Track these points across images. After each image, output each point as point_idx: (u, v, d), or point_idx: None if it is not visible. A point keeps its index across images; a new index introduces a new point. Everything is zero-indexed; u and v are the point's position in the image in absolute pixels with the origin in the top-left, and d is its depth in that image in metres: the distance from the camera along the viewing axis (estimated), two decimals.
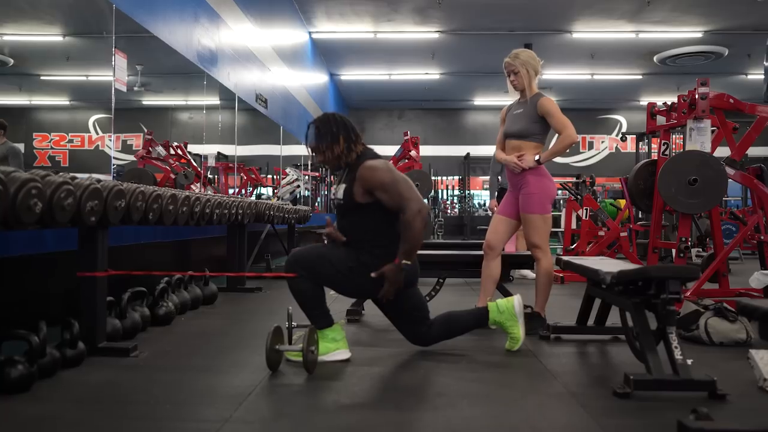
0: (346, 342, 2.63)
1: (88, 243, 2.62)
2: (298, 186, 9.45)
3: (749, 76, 13.12)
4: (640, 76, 13.44)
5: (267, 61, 7.97)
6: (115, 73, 3.81)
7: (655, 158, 4.45)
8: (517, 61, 3.36)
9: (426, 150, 9.40)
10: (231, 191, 7.84)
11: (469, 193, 15.82)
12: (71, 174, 2.47)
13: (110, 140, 4.25)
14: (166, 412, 1.95)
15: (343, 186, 2.64)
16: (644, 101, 15.69)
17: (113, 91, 3.84)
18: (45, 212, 2.14)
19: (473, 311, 2.87)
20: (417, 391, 2.23)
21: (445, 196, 16.99)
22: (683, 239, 3.98)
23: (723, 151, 4.09)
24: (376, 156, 2.66)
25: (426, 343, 2.80)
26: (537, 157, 3.27)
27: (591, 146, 16.33)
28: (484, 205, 18.03)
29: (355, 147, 2.63)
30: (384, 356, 2.73)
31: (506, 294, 3.75)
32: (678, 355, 2.17)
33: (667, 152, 4.34)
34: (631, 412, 2.01)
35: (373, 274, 2.54)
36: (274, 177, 10.03)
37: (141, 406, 2.00)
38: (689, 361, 2.18)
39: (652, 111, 4.55)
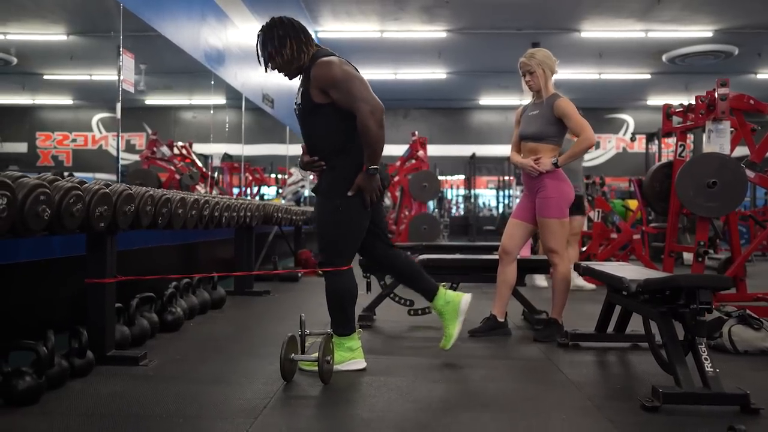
0: (362, 351, 2.56)
1: (96, 249, 2.55)
2: (303, 186, 9.36)
3: (758, 76, 13.00)
4: (648, 76, 13.31)
5: None
6: (122, 74, 3.74)
7: (671, 159, 4.36)
8: (533, 61, 3.27)
9: (431, 149, 9.28)
10: (235, 191, 7.75)
11: (474, 193, 15.72)
12: (79, 178, 2.40)
13: (115, 140, 4.18)
14: (179, 427, 1.87)
15: (301, 90, 2.52)
16: (652, 101, 15.60)
17: (120, 91, 3.76)
18: (54, 218, 2.07)
19: (427, 282, 2.75)
20: (437, 403, 2.16)
21: (450, 196, 16.90)
22: (701, 243, 3.89)
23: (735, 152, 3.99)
24: (332, 53, 2.52)
25: (381, 264, 2.74)
26: (554, 160, 3.19)
27: (598, 146, 16.22)
28: (489, 204, 17.96)
29: (307, 49, 2.50)
30: (400, 365, 2.66)
31: (521, 300, 3.68)
32: (708, 367, 2.10)
33: (683, 154, 4.25)
34: (662, 427, 1.93)
35: (349, 193, 2.45)
36: (278, 177, 9.95)
37: (152, 420, 1.93)
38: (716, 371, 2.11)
39: (668, 112, 4.45)
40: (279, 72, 2.56)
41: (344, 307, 2.52)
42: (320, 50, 2.53)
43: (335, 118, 2.45)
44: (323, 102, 2.45)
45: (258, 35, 2.53)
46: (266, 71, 2.57)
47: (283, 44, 2.46)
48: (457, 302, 2.70)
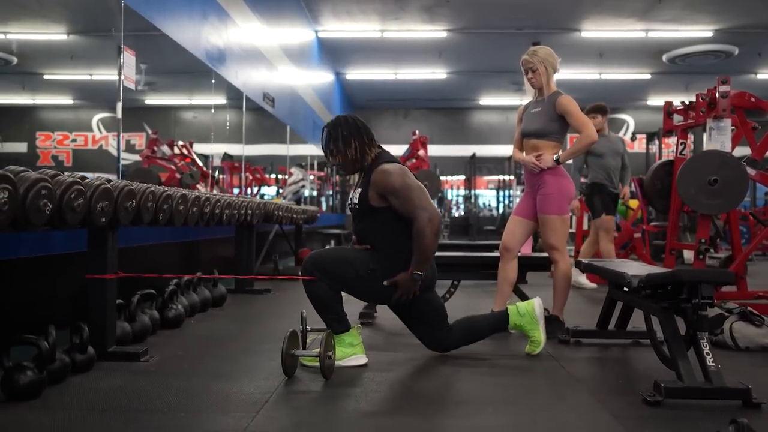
0: (362, 347, 2.56)
1: (97, 244, 2.55)
2: (303, 186, 9.37)
3: (758, 75, 13.00)
4: (649, 76, 13.32)
5: (274, 60, 7.90)
6: (123, 71, 3.73)
7: (672, 158, 4.37)
8: (535, 59, 3.28)
9: (432, 149, 9.30)
10: (235, 191, 7.75)
11: (474, 193, 15.72)
12: (80, 174, 2.40)
13: (115, 140, 4.17)
14: (181, 422, 1.87)
15: (359, 190, 2.60)
16: (652, 101, 15.59)
17: (121, 90, 3.75)
18: (55, 213, 2.07)
19: (493, 316, 2.81)
20: (438, 398, 2.16)
21: (450, 196, 16.90)
22: (702, 241, 3.89)
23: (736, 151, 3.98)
24: (393, 159, 2.60)
25: (445, 348, 2.73)
26: (556, 157, 3.19)
27: None
28: (489, 205, 17.95)
29: (369, 150, 2.59)
30: (401, 361, 2.66)
31: (522, 296, 3.68)
32: (710, 362, 2.10)
33: (684, 152, 4.25)
34: (665, 422, 1.93)
35: (385, 282, 2.50)
36: (278, 176, 9.94)
37: (154, 414, 1.93)
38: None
39: (668, 110, 4.45)
40: (339, 168, 2.66)
41: (329, 306, 2.53)
42: (382, 153, 2.62)
43: (391, 221, 2.53)
44: (380, 206, 2.52)
45: (323, 130, 2.62)
46: (329, 162, 2.69)
47: (348, 144, 2.55)
48: (531, 310, 2.73)
